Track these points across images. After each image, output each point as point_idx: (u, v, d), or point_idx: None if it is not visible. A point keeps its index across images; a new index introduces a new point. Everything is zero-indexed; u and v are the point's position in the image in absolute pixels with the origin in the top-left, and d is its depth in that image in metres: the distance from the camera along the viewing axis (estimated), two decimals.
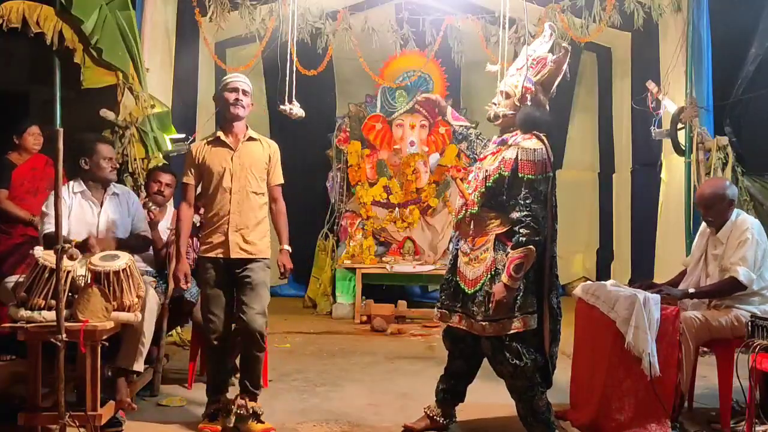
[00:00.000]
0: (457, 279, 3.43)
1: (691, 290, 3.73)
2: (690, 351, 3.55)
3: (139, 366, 3.60)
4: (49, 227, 3.61)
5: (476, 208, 3.36)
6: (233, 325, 3.63)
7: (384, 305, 6.80)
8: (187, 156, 3.72)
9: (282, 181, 3.79)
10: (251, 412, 3.52)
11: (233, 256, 3.56)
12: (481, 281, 3.29)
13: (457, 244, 3.52)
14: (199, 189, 3.76)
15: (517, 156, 3.28)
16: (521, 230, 3.20)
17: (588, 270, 8.70)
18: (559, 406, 3.94)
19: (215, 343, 3.60)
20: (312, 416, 3.87)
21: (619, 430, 3.46)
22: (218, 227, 3.59)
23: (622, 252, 7.95)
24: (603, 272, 8.18)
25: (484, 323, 3.26)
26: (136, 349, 3.55)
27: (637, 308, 3.40)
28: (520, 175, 3.26)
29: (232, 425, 3.52)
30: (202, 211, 4.56)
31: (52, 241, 3.51)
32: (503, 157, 3.32)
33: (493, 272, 3.26)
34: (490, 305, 3.22)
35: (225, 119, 3.67)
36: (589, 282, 3.96)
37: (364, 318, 6.83)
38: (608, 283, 3.80)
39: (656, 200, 6.56)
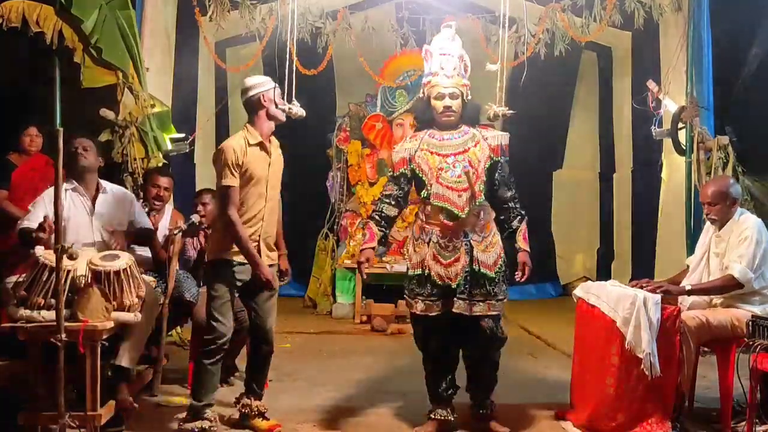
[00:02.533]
0: (476, 268, 3.51)
1: (688, 287, 3.73)
2: (690, 351, 3.55)
3: (132, 363, 3.57)
4: (27, 223, 3.65)
5: (483, 197, 3.59)
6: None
7: (384, 305, 6.80)
8: (227, 155, 3.44)
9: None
10: (256, 411, 3.62)
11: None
12: (500, 262, 3.57)
13: (466, 237, 3.54)
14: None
15: (501, 142, 3.65)
16: (517, 205, 3.69)
17: (588, 270, 8.70)
18: (559, 406, 3.94)
19: (225, 347, 3.54)
20: (312, 416, 3.87)
21: (619, 430, 3.46)
22: (251, 233, 3.51)
23: (623, 252, 7.95)
24: (603, 272, 8.17)
25: (504, 300, 3.57)
26: (133, 348, 3.54)
27: (638, 308, 3.40)
28: (505, 159, 3.66)
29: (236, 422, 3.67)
30: (200, 208, 4.57)
31: (25, 235, 3.56)
32: (489, 145, 3.63)
33: (504, 253, 3.61)
34: (518, 275, 3.58)
35: (265, 124, 3.58)
36: (589, 282, 3.96)
37: (364, 318, 6.83)
38: (608, 283, 3.80)
39: (656, 200, 6.56)
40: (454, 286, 3.49)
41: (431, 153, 3.61)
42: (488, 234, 3.58)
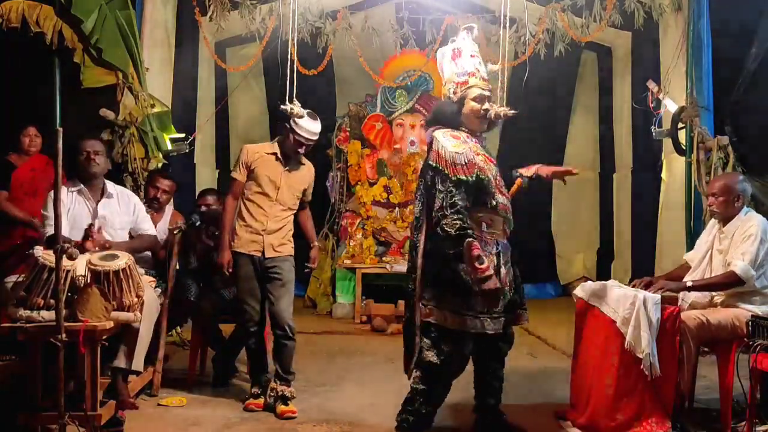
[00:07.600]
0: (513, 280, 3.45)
1: (689, 283, 3.72)
2: (690, 351, 3.54)
3: (138, 366, 3.59)
4: (51, 229, 3.60)
5: None
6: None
7: (384, 305, 6.79)
8: (242, 153, 4.03)
9: (311, 198, 4.27)
10: (279, 394, 3.89)
11: (268, 255, 3.98)
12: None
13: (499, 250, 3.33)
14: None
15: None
16: None
17: (588, 270, 8.70)
18: (559, 406, 3.94)
19: (252, 329, 4.02)
20: (312, 416, 3.87)
21: (619, 430, 3.45)
22: (256, 229, 3.98)
23: (623, 252, 7.95)
24: (603, 272, 8.18)
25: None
26: (135, 349, 3.54)
27: (637, 308, 3.39)
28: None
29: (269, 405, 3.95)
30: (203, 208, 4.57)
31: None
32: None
33: None
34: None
35: (287, 148, 4.02)
36: (589, 282, 3.95)
37: (364, 318, 6.83)
38: (608, 283, 3.79)
39: (656, 200, 6.56)
40: (515, 298, 3.41)
41: (487, 159, 3.36)
42: (509, 248, 3.45)
